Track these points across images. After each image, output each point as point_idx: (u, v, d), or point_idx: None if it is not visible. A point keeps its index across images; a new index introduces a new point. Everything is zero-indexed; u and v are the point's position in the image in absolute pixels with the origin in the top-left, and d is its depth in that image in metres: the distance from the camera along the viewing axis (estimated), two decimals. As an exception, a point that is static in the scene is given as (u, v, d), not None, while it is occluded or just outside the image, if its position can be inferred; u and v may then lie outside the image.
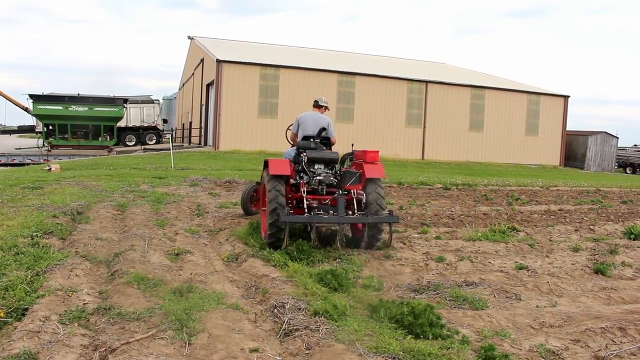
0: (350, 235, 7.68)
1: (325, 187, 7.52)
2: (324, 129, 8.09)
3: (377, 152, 7.77)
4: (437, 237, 8.76)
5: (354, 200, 7.36)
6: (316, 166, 7.74)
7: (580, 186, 19.80)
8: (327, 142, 8.24)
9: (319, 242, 7.35)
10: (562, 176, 26.94)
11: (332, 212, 7.11)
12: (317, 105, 8.58)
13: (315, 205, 7.23)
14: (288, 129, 8.80)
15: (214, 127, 29.75)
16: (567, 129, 37.18)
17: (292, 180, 7.50)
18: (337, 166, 7.89)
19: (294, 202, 7.49)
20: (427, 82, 32.98)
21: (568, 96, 36.89)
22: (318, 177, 7.54)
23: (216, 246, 7.60)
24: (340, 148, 9.33)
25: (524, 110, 35.58)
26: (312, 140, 8.00)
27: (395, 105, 32.32)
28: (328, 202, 7.34)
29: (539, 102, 35.96)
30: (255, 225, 8.06)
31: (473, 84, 34.35)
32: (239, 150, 28.24)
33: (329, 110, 8.80)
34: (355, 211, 7.31)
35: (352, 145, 8.52)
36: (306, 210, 7.14)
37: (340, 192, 7.25)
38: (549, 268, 7.07)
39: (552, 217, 11.91)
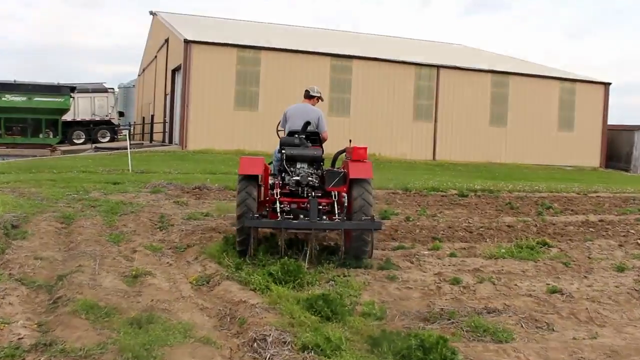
0: (344, 246, 7.88)
1: (305, 188, 7.99)
2: (308, 123, 8.43)
3: (365, 148, 8.04)
4: (452, 255, 8.75)
5: (335, 204, 7.80)
6: (298, 165, 8.16)
7: (625, 192, 19.92)
8: (316, 139, 8.58)
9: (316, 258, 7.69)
10: (603, 180, 27.11)
11: (305, 216, 7.58)
12: (308, 96, 9.01)
13: (287, 209, 7.75)
14: (279, 124, 9.19)
15: (181, 121, 29.71)
16: (609, 123, 37.31)
17: (274, 181, 8.08)
18: (325, 165, 8.32)
19: (270, 205, 7.95)
20: (438, 66, 33.15)
21: (609, 83, 37.09)
22: (295, 178, 8.02)
23: (183, 266, 7.57)
24: (338, 146, 9.39)
25: (557, 100, 35.81)
26: (296, 136, 8.37)
27: (401, 95, 32.45)
28: (307, 205, 7.73)
29: (574, 90, 36.18)
30: (232, 241, 8.04)
31: (494, 69, 34.57)
32: (211, 150, 28.22)
33: (322, 101, 9.22)
34: (336, 217, 7.70)
35: (350, 141, 8.71)
36: (278, 214, 7.64)
37: (314, 193, 7.83)
38: (588, 291, 7.11)
39: (591, 229, 11.95)
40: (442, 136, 33.43)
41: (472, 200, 15.57)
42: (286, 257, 7.22)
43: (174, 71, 33.37)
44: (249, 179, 7.66)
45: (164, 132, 35.44)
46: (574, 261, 8.72)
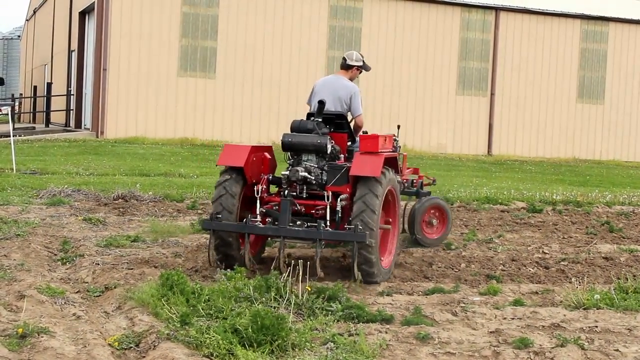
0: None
1: (303, 187, 9.40)
2: (322, 103, 9.77)
3: (376, 137, 9.30)
4: (517, 302, 8.77)
5: (328, 207, 9.12)
6: (304, 157, 9.57)
7: None
8: (343, 123, 10.03)
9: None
10: None
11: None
12: (344, 65, 10.45)
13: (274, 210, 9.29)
14: (309, 99, 10.59)
15: (94, 94, 29.65)
16: None
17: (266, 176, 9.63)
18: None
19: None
20: (497, 8, 33.26)
21: None
22: (284, 172, 9.43)
23: (99, 320, 7.53)
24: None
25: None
26: (312, 118, 9.74)
27: (439, 54, 32.51)
28: (302, 208, 9.31)
29: None
30: (175, 278, 8.04)
31: (584, 12, 34.63)
32: (142, 139, 28.20)
33: (367, 70, 10.78)
34: (327, 224, 9.04)
35: (399, 126, 11.03)
36: (258, 216, 9.24)
37: (287, 192, 9.26)
38: None
39: None
40: (501, 118, 33.52)
41: (549, 217, 15.59)
42: (261, 303, 7.22)
43: (83, 14, 33.36)
44: (232, 172, 9.22)
45: (68, 110, 35.39)
46: None
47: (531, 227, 14.36)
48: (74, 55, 34.63)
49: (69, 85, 35.44)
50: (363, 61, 10.56)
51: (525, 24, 33.58)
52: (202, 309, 7.54)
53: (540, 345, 7.24)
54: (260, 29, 29.88)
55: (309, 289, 8.12)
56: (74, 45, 34.52)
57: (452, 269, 10.52)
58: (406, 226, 11.82)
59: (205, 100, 29.27)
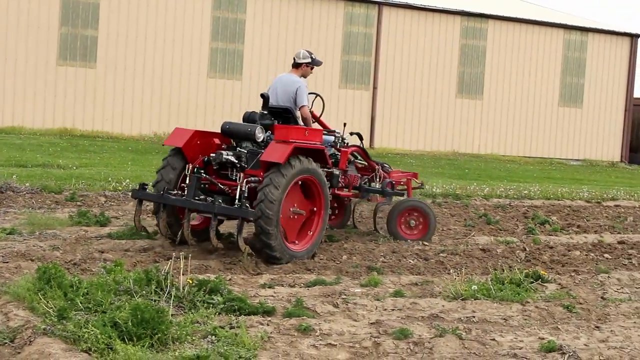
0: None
1: (233, 170, 10.68)
2: (262, 96, 11.21)
3: (290, 127, 10.72)
4: (397, 294, 8.87)
5: (239, 189, 10.21)
6: (244, 144, 10.90)
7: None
8: (288, 117, 11.31)
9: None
10: (625, 181, 28.13)
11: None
12: (294, 64, 11.98)
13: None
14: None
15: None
16: (636, 96, 38.57)
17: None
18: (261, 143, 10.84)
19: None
20: (379, 3, 33.58)
21: (638, 35, 38.32)
22: (212, 155, 10.70)
23: (-30, 315, 7.32)
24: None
25: (558, 59, 36.88)
26: (259, 111, 11.21)
27: (322, 47, 32.69)
28: (227, 189, 10.56)
29: (584, 44, 37.35)
30: (52, 271, 7.86)
31: (465, 9, 35.20)
32: (20, 129, 27.47)
33: (317, 66, 12.27)
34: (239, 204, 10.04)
35: (345, 124, 12.28)
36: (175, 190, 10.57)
37: (197, 169, 10.40)
38: (602, 350, 7.25)
39: (606, 255, 12.41)
40: (383, 111, 33.87)
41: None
42: (142, 297, 7.13)
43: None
44: (175, 151, 10.68)
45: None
46: (581, 304, 8.96)
47: (411, 219, 14.57)
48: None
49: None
50: (311, 57, 11.95)
51: (407, 19, 33.99)
52: (81, 303, 7.38)
53: (420, 335, 7.34)
54: (142, 19, 29.42)
55: (191, 282, 8.06)
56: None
57: (334, 261, 10.58)
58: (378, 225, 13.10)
59: (85, 90, 28.68)
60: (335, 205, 12.59)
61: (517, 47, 35.84)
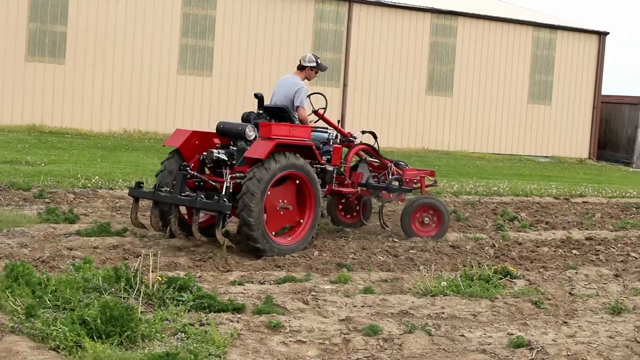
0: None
1: (223, 166, 10.94)
2: (256, 96, 11.79)
3: (271, 124, 10.86)
4: (367, 290, 8.91)
5: (225, 185, 10.53)
6: (238, 143, 11.18)
7: (624, 196, 20.99)
8: (284, 116, 11.57)
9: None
10: (593, 178, 28.36)
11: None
12: (299, 66, 12.24)
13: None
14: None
15: None
16: (604, 93, 38.51)
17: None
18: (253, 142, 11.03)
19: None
20: (350, 0, 33.59)
21: (606, 33, 38.56)
22: (204, 153, 11.03)
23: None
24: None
25: (527, 56, 37.06)
26: (255, 110, 11.70)
27: (292, 45, 32.65)
28: (218, 185, 10.81)
29: (552, 42, 37.55)
30: (20, 269, 7.81)
31: (435, 7, 35.32)
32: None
33: (322, 70, 12.48)
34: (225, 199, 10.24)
35: (339, 121, 12.96)
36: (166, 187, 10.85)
37: (183, 166, 10.73)
38: (569, 345, 7.34)
39: (574, 251, 12.56)
40: (353, 109, 33.87)
41: (399, 206, 15.84)
42: (111, 294, 7.11)
43: None
44: (174, 152, 11.13)
45: None
46: (549, 300, 9.05)
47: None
48: None
49: None
50: (317, 62, 12.14)
51: (377, 16, 34.00)
52: (49, 301, 7.36)
53: (389, 332, 7.38)
54: (112, 15, 29.19)
55: (160, 279, 8.04)
56: None
57: (304, 258, 10.61)
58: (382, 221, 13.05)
59: (54, 87, 28.42)
60: (346, 201, 13.09)
61: (486, 44, 35.97)
